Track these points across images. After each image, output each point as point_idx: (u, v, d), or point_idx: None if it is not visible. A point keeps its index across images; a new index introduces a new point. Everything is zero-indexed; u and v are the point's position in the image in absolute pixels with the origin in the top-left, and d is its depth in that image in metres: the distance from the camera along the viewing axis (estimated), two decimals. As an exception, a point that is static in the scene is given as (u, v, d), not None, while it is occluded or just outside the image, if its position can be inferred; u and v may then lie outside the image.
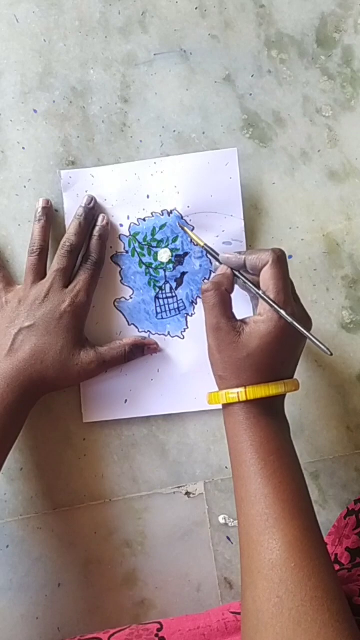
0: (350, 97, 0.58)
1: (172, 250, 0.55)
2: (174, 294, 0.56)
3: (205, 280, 0.55)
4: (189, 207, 0.55)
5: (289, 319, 0.44)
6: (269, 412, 0.46)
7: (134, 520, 0.56)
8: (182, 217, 0.55)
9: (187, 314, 0.56)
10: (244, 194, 0.55)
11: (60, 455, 0.56)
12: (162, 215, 0.55)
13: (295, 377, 0.48)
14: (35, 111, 0.56)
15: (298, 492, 0.43)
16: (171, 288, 0.56)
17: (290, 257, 0.57)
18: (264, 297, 0.45)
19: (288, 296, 0.46)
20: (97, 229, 0.54)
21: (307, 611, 0.38)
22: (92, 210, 0.54)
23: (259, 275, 0.47)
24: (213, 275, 0.54)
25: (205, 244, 0.53)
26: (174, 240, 0.55)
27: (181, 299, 0.56)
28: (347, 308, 0.57)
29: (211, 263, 0.55)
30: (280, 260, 0.46)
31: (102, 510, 0.56)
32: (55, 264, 0.53)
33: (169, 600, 0.55)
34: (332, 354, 0.44)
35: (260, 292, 0.46)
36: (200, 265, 0.55)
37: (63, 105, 0.56)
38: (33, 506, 0.55)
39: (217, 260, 0.51)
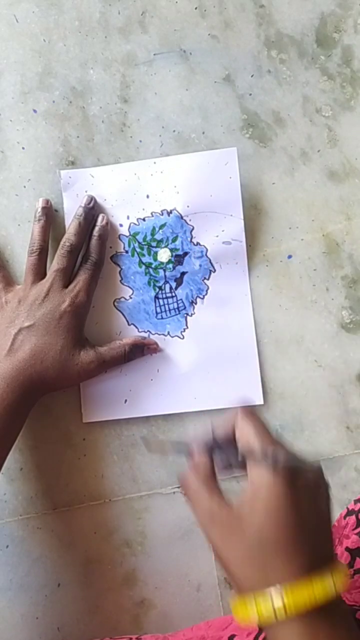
0: (350, 97, 0.58)
1: (171, 250, 0.55)
2: (173, 294, 0.56)
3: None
4: (188, 206, 0.55)
5: (283, 457, 0.36)
6: (325, 615, 0.33)
7: (134, 520, 0.56)
8: (181, 217, 0.55)
9: (187, 314, 0.56)
10: (244, 194, 0.55)
11: (60, 455, 0.56)
12: (162, 215, 0.55)
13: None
14: (34, 111, 0.56)
15: None
16: (171, 288, 0.56)
17: (290, 257, 0.57)
18: (249, 455, 0.38)
19: (271, 437, 0.38)
20: (96, 228, 0.54)
21: None
22: (92, 210, 0.54)
23: (234, 439, 0.40)
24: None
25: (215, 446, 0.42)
26: (174, 240, 0.55)
27: (181, 299, 0.56)
28: (347, 308, 0.57)
29: (212, 265, 0.55)
30: (249, 411, 0.40)
31: (102, 510, 0.55)
32: (55, 264, 0.53)
33: (168, 600, 0.55)
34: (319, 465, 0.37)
35: (240, 453, 0.38)
36: (200, 265, 0.55)
37: (63, 105, 0.56)
38: (33, 506, 0.55)
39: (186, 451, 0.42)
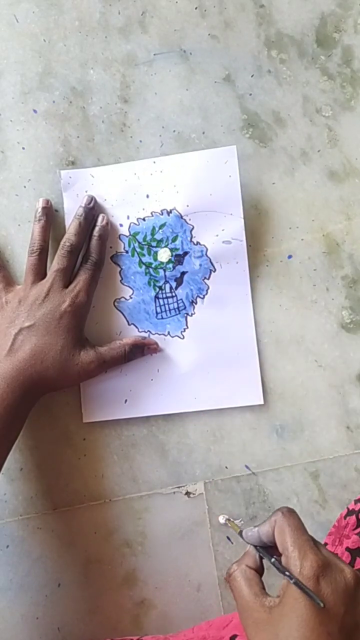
0: (350, 97, 0.58)
1: (171, 250, 0.55)
2: (173, 294, 0.56)
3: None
4: (188, 206, 0.55)
5: (317, 600, 0.35)
6: None
7: (134, 520, 0.56)
8: (181, 217, 0.55)
9: (187, 314, 0.56)
10: (244, 194, 0.55)
11: (60, 455, 0.56)
12: (162, 214, 0.55)
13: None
14: (35, 111, 0.56)
15: None
16: (171, 288, 0.56)
17: (290, 257, 0.57)
18: (293, 578, 0.37)
19: (309, 547, 0.38)
20: (96, 228, 0.54)
21: None
22: (92, 210, 0.54)
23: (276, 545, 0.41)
24: None
25: (240, 531, 0.45)
26: (174, 239, 0.55)
27: (181, 299, 0.56)
28: (347, 308, 0.57)
29: (212, 265, 0.55)
30: (287, 513, 0.41)
31: (102, 510, 0.55)
32: (55, 264, 0.53)
33: (168, 600, 0.55)
34: (324, 606, 0.36)
35: (287, 573, 0.38)
36: (200, 265, 0.55)
37: (63, 105, 0.56)
38: (33, 506, 0.55)
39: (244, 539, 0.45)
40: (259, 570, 0.42)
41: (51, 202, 0.55)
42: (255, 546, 0.43)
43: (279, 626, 0.36)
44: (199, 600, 0.56)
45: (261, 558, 0.43)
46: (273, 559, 0.41)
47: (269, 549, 0.42)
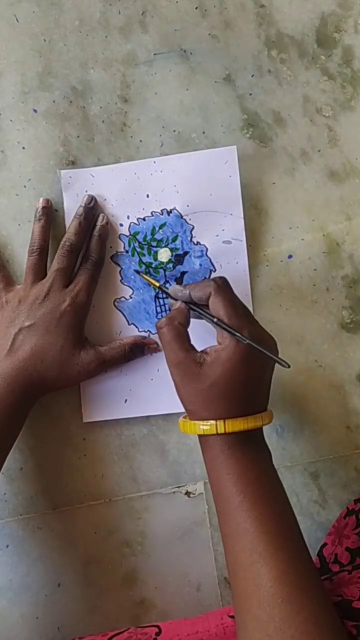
0: (350, 97, 0.58)
1: (171, 250, 0.55)
2: (173, 294, 0.55)
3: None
4: (188, 206, 0.55)
5: (245, 340, 0.43)
6: (246, 442, 0.44)
7: (134, 520, 0.56)
8: (181, 216, 0.55)
9: (187, 314, 0.56)
10: (244, 194, 0.55)
11: (60, 455, 0.55)
12: (162, 214, 0.55)
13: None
14: (35, 111, 0.56)
15: (282, 523, 0.42)
16: (171, 288, 0.55)
17: (290, 257, 0.57)
18: (218, 323, 0.45)
19: (240, 319, 0.45)
20: (97, 228, 0.54)
21: None
22: (92, 210, 0.54)
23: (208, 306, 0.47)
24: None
25: (161, 285, 0.53)
26: (174, 239, 0.55)
27: (181, 299, 0.55)
28: (347, 308, 0.57)
29: (212, 265, 0.55)
30: (222, 288, 0.46)
31: (102, 510, 0.55)
32: (55, 263, 0.53)
33: (168, 600, 0.55)
34: (289, 366, 0.43)
35: (215, 319, 0.45)
36: (200, 265, 0.55)
37: (63, 105, 0.56)
38: (33, 506, 0.55)
39: (170, 296, 0.51)
40: (187, 327, 0.48)
41: (51, 201, 0.55)
42: (186, 303, 0.48)
43: (208, 374, 0.44)
44: (199, 600, 0.56)
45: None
46: (205, 313, 0.47)
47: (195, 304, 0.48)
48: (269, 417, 0.46)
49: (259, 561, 0.40)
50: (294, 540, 0.42)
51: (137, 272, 0.55)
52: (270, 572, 0.39)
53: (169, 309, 0.56)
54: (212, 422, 0.44)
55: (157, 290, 0.55)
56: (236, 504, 0.42)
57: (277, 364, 0.44)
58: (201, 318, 0.49)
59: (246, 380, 0.44)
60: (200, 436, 0.46)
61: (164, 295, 0.55)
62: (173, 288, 0.50)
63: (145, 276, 0.54)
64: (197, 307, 0.48)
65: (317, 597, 0.39)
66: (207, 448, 0.46)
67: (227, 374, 0.44)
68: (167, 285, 0.55)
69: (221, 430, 0.43)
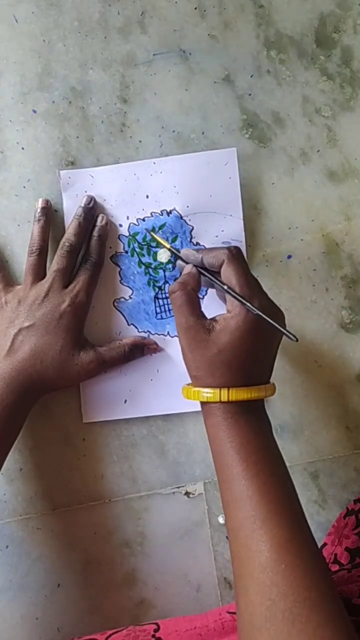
0: (350, 97, 0.58)
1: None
2: (173, 294, 0.55)
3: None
4: (188, 207, 0.55)
5: (255, 310, 0.44)
6: (248, 411, 0.45)
7: (134, 520, 0.56)
8: (181, 217, 0.55)
9: (187, 314, 0.56)
10: (244, 194, 0.55)
11: (60, 455, 0.55)
12: (162, 215, 0.55)
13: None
14: (34, 111, 0.56)
15: (284, 492, 0.43)
16: (170, 288, 0.55)
17: (290, 257, 0.57)
18: (229, 291, 0.45)
19: (252, 290, 0.45)
20: (96, 229, 0.54)
21: (301, 612, 0.37)
22: (92, 210, 0.54)
23: (219, 273, 0.47)
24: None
25: (171, 246, 0.53)
26: (173, 240, 0.55)
27: (180, 299, 0.55)
28: (347, 308, 0.57)
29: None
30: (236, 257, 0.47)
31: (102, 511, 0.55)
32: (54, 264, 0.53)
33: (168, 600, 0.55)
34: (297, 340, 0.44)
35: (225, 287, 0.45)
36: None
37: (62, 106, 0.56)
38: (32, 506, 0.55)
39: (181, 259, 0.50)
40: (198, 292, 0.48)
41: (50, 202, 0.55)
42: (197, 268, 0.48)
43: (215, 342, 0.44)
44: (199, 600, 0.56)
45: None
46: (216, 280, 0.47)
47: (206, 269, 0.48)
48: (272, 389, 0.47)
49: (262, 527, 0.41)
50: (295, 509, 0.43)
51: (148, 231, 0.55)
52: (274, 538, 0.40)
53: (169, 310, 0.56)
54: (216, 389, 0.44)
55: (157, 291, 0.55)
56: (239, 472, 0.43)
57: (284, 337, 0.45)
58: (211, 285, 0.49)
59: (252, 351, 0.45)
60: (202, 403, 0.47)
61: (164, 296, 0.55)
62: (185, 251, 0.50)
63: (156, 236, 0.54)
64: (208, 273, 0.48)
65: (319, 565, 0.40)
66: (209, 416, 0.46)
67: (235, 343, 0.44)
68: (166, 285, 0.55)
69: (224, 398, 0.44)
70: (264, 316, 0.44)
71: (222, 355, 0.44)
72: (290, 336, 0.44)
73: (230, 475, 0.43)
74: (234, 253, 0.47)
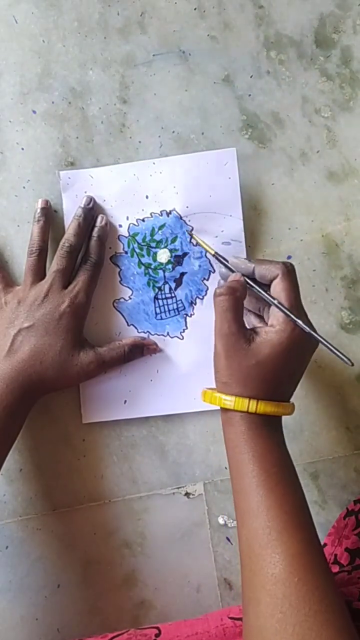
0: (349, 98, 0.58)
1: (171, 251, 0.55)
2: (173, 295, 0.56)
3: (220, 283, 0.53)
4: (187, 207, 0.55)
5: (307, 329, 0.44)
6: (270, 424, 0.45)
7: (134, 521, 0.56)
8: (180, 218, 0.55)
9: (187, 315, 0.56)
10: (243, 194, 0.55)
11: (60, 456, 0.55)
12: (161, 215, 0.55)
13: (297, 388, 0.48)
14: (34, 112, 0.56)
15: (299, 505, 0.43)
16: (170, 288, 0.56)
17: (290, 257, 0.57)
18: (279, 306, 0.45)
19: (300, 309, 0.46)
20: (96, 229, 0.54)
21: (312, 626, 0.37)
22: (91, 211, 0.54)
23: (267, 286, 0.47)
24: (224, 281, 0.52)
25: (216, 252, 0.52)
26: (173, 240, 0.55)
27: (180, 300, 0.56)
28: (346, 308, 0.57)
29: (211, 266, 0.55)
30: (291, 273, 0.46)
31: (102, 511, 0.55)
32: (54, 264, 0.53)
33: (168, 601, 0.55)
34: (352, 364, 0.44)
35: (276, 302, 0.45)
36: (200, 266, 0.55)
37: (62, 106, 0.56)
38: (32, 507, 0.55)
39: (228, 267, 0.50)
40: (243, 301, 0.48)
41: (50, 202, 0.55)
42: (246, 279, 0.48)
43: (255, 353, 0.44)
44: (199, 601, 0.56)
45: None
46: (264, 292, 0.47)
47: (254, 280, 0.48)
48: (292, 407, 0.47)
49: (277, 539, 0.41)
50: (308, 523, 0.43)
51: (189, 232, 0.54)
52: (288, 550, 0.40)
53: (169, 310, 0.56)
54: (245, 399, 0.44)
55: (156, 292, 0.55)
56: (259, 482, 0.43)
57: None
58: (255, 296, 0.49)
59: (289, 367, 0.45)
60: (223, 411, 0.47)
61: (164, 296, 0.55)
62: (235, 259, 0.49)
63: (199, 240, 0.53)
64: (255, 284, 0.48)
65: (329, 580, 0.40)
66: (231, 424, 0.46)
67: (275, 357, 0.44)
68: (166, 285, 0.55)
69: (252, 409, 0.44)
70: (316, 335, 0.44)
71: (259, 367, 0.44)
72: (346, 360, 0.44)
73: (249, 485, 0.43)
74: (290, 269, 0.46)
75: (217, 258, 0.51)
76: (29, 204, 0.56)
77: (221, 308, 0.46)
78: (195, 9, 0.57)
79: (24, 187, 0.56)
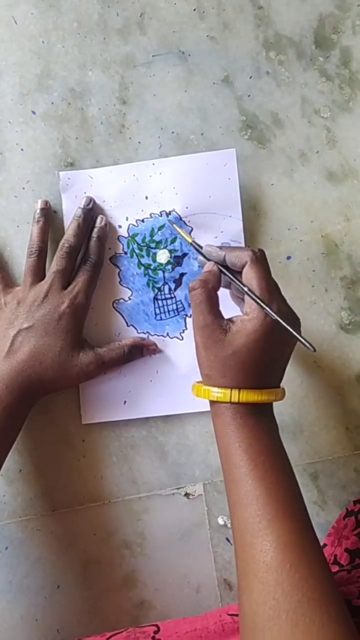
0: (349, 98, 0.58)
1: (170, 252, 0.55)
2: (172, 295, 0.56)
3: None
4: (187, 208, 0.55)
5: (274, 315, 0.44)
6: (257, 412, 0.45)
7: (133, 521, 0.56)
8: (180, 218, 0.55)
9: (186, 315, 0.56)
10: (243, 195, 0.55)
11: (59, 456, 0.55)
12: (161, 216, 0.55)
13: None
14: (33, 112, 0.56)
15: (290, 493, 0.43)
16: (170, 289, 0.56)
17: (289, 258, 0.57)
18: (249, 293, 0.45)
19: (272, 294, 0.45)
20: (95, 230, 0.54)
21: (305, 612, 0.37)
22: (91, 212, 0.54)
23: (240, 273, 0.47)
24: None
25: (193, 240, 0.52)
26: (173, 241, 0.55)
27: (180, 300, 0.56)
28: (346, 309, 0.57)
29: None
30: (260, 259, 0.46)
31: (101, 512, 0.55)
32: (54, 265, 0.53)
33: (168, 601, 0.55)
34: (314, 350, 0.43)
35: (246, 289, 0.45)
36: (199, 266, 0.55)
37: (61, 107, 0.56)
38: (32, 508, 0.55)
39: (203, 255, 0.50)
40: (217, 291, 0.48)
41: (50, 203, 0.55)
42: (221, 267, 0.48)
43: (231, 342, 0.44)
44: (198, 601, 0.56)
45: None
46: (236, 280, 0.46)
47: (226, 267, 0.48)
48: (281, 393, 0.47)
49: (268, 527, 0.41)
50: (301, 510, 0.43)
51: (171, 222, 0.54)
52: (279, 538, 0.40)
53: (169, 311, 0.56)
54: (227, 390, 0.44)
55: (156, 292, 0.55)
56: (247, 471, 0.43)
57: (299, 345, 0.45)
58: (228, 286, 0.49)
59: (267, 354, 0.45)
60: (211, 403, 0.47)
61: (163, 297, 0.55)
62: (208, 247, 0.49)
63: (178, 228, 0.54)
64: (228, 273, 0.48)
65: (322, 567, 0.40)
66: (218, 415, 0.46)
67: (250, 345, 0.44)
68: (166, 286, 0.55)
69: (235, 399, 0.44)
70: (282, 322, 0.44)
71: (237, 357, 0.44)
72: (307, 345, 0.43)
73: (238, 475, 0.43)
74: (258, 255, 0.46)
75: (193, 246, 0.52)
76: (29, 205, 0.56)
77: (195, 301, 0.46)
78: (194, 9, 0.57)
79: (23, 188, 0.56)
